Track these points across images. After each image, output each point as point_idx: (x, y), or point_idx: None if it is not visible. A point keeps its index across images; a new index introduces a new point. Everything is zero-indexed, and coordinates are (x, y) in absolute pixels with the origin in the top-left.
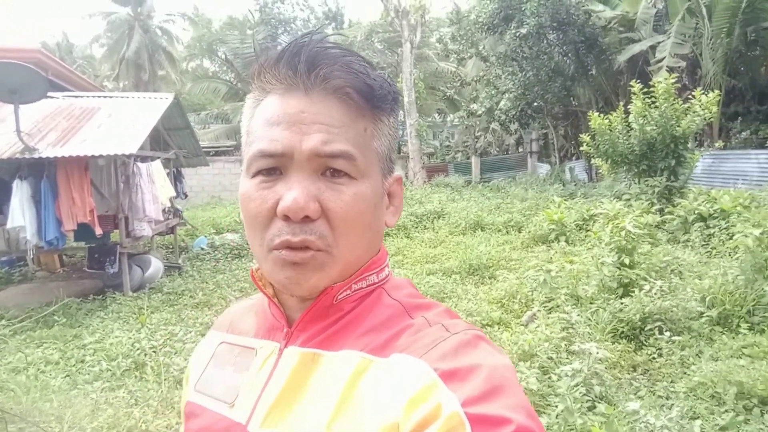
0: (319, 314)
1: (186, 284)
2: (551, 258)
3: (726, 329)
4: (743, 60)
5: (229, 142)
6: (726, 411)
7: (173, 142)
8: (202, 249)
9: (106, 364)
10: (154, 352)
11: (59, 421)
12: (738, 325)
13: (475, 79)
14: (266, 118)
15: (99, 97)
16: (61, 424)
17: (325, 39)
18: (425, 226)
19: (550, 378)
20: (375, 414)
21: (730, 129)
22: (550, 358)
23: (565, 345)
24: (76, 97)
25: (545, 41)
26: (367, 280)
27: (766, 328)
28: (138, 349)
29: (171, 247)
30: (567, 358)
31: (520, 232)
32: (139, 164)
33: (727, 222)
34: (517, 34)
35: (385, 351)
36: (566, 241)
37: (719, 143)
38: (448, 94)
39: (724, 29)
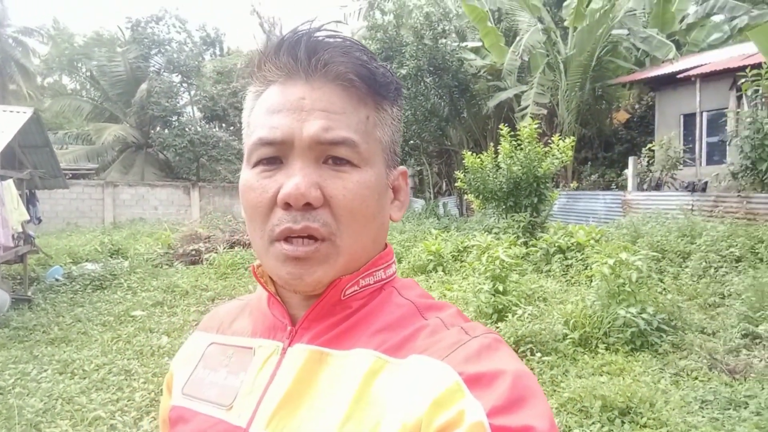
0: (325, 311)
1: (38, 318)
2: (431, 287)
3: (587, 350)
4: (592, 112)
5: (89, 165)
6: (593, 423)
7: (28, 161)
8: (57, 280)
9: None
10: (2, 393)
11: None
12: (597, 346)
13: None
14: (267, 107)
15: None
16: None
17: (324, 27)
18: None
19: None
20: (395, 413)
21: (582, 172)
22: None
23: None
24: None
25: (423, 83)
26: (374, 275)
27: (620, 348)
28: None
29: (19, 277)
30: None
31: (400, 262)
32: None
33: (582, 254)
34: (398, 73)
35: (402, 351)
36: (443, 271)
37: (574, 184)
38: None
39: (577, 84)
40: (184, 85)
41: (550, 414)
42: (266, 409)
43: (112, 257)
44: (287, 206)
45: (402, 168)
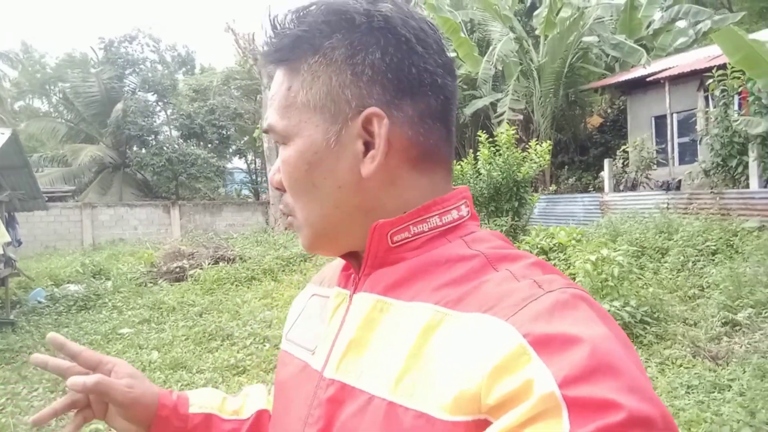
0: (380, 258)
1: (23, 341)
2: None
3: None
4: (566, 117)
5: (66, 187)
6: None
7: (6, 183)
8: (40, 302)
9: None
10: None
11: None
12: None
13: None
14: None
15: None
16: None
17: (270, 22)
18: (293, 269)
19: None
20: (450, 377)
21: (559, 176)
22: None
23: None
24: None
25: None
26: (428, 222)
27: None
28: None
29: (0, 301)
30: None
31: None
32: None
33: (565, 254)
34: None
35: (463, 305)
36: None
37: (552, 187)
38: None
39: (551, 90)
40: (160, 103)
41: (643, 383)
42: (336, 355)
43: (94, 278)
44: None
45: (370, 109)
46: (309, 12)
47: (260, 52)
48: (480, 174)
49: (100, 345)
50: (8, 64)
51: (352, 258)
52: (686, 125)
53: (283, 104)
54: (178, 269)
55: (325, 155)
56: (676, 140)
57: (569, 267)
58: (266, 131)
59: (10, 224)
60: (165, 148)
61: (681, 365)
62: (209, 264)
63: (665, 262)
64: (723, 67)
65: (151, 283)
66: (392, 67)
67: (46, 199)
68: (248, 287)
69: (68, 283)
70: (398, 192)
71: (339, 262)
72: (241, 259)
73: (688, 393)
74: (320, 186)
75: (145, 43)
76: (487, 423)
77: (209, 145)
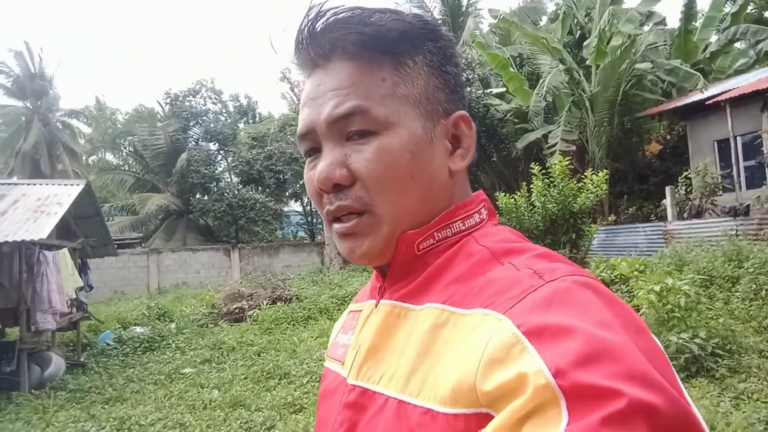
0: (405, 268)
1: (92, 381)
2: None
3: None
4: (623, 146)
5: (134, 234)
6: None
7: (80, 231)
8: (108, 344)
9: None
10: None
11: None
12: None
13: None
14: (300, 105)
15: (3, 184)
16: None
17: (320, 13)
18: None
19: None
20: (450, 370)
21: (619, 206)
22: None
23: None
24: None
25: None
26: (451, 228)
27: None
28: None
29: (72, 344)
30: None
31: None
32: (46, 252)
33: (627, 286)
34: None
35: (467, 302)
36: None
37: (611, 217)
38: None
39: (605, 119)
40: (221, 152)
41: (645, 368)
42: (357, 361)
43: (159, 320)
44: (323, 191)
45: (460, 113)
46: (405, 15)
47: (347, 30)
48: (534, 207)
49: (164, 384)
50: (83, 122)
51: (374, 269)
52: (751, 148)
53: (377, 92)
54: (237, 310)
55: (425, 148)
56: (741, 164)
57: (632, 299)
58: (348, 115)
59: (83, 270)
60: (225, 194)
61: (758, 399)
62: (267, 304)
63: (736, 292)
64: None
65: (212, 324)
66: (460, 81)
67: (116, 246)
68: (305, 326)
69: (135, 325)
70: (461, 190)
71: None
72: (297, 298)
73: (767, 429)
74: (417, 179)
75: (207, 96)
76: (488, 417)
77: (267, 190)
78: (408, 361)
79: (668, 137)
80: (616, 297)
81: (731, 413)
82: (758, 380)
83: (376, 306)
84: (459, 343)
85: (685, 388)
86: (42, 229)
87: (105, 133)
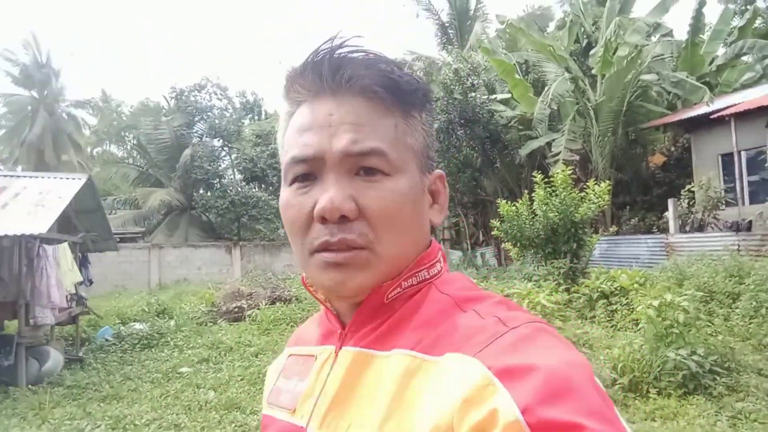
0: (369, 315)
1: (90, 377)
2: None
3: (638, 395)
4: (626, 156)
5: (137, 228)
6: None
7: (81, 226)
8: (107, 340)
9: None
10: None
11: None
12: (647, 391)
13: None
14: (298, 127)
15: (4, 176)
16: None
17: (345, 43)
18: None
19: None
20: (427, 415)
21: (621, 217)
22: None
23: None
24: None
25: (454, 136)
26: (417, 276)
27: (672, 392)
28: None
29: (71, 338)
30: None
31: None
32: (46, 246)
33: (627, 298)
34: None
35: (437, 349)
36: None
37: (613, 228)
38: None
39: (609, 129)
40: (226, 148)
41: (602, 406)
42: (320, 410)
43: (158, 317)
44: (324, 220)
45: (438, 171)
46: (415, 72)
47: (375, 71)
48: (536, 215)
49: (161, 383)
50: (89, 113)
51: (330, 311)
52: (755, 163)
53: (391, 137)
54: (236, 309)
55: (421, 197)
56: (745, 179)
57: (631, 312)
58: (366, 154)
59: (83, 264)
60: (229, 191)
61: (755, 420)
62: (266, 304)
63: (736, 308)
64: None
65: (211, 322)
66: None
67: (118, 240)
68: None
69: (134, 321)
70: (428, 239)
71: (310, 320)
72: (297, 299)
73: None
74: (414, 224)
75: (212, 92)
76: None
77: (270, 188)
78: (380, 408)
79: (672, 149)
80: (567, 341)
81: None
82: (756, 400)
83: (337, 353)
84: (433, 388)
85: (682, 405)
86: (42, 223)
87: (110, 125)
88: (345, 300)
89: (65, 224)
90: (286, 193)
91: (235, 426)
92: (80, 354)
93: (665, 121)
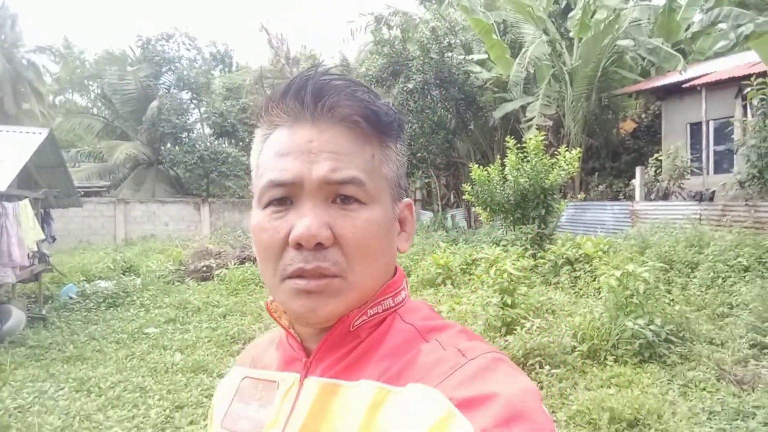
0: (335, 343)
1: (53, 337)
2: (440, 300)
3: (596, 362)
4: (598, 122)
5: (101, 182)
6: None
7: (43, 181)
8: (71, 298)
9: None
10: (20, 412)
11: None
12: (605, 358)
13: None
14: (276, 150)
15: None
16: None
17: (329, 71)
18: None
19: None
20: None
21: (589, 183)
22: None
23: None
24: None
25: (429, 96)
26: (382, 304)
27: (628, 360)
28: (1, 410)
29: (34, 296)
30: None
31: (409, 276)
32: (5, 203)
33: (591, 265)
34: (404, 88)
35: (401, 380)
36: (452, 284)
37: (581, 195)
38: None
39: (583, 94)
40: (194, 101)
41: (551, 428)
42: None
43: (124, 274)
44: (299, 246)
45: (407, 200)
46: (389, 104)
47: (357, 102)
48: (507, 180)
49: (126, 344)
50: (50, 59)
51: (294, 338)
52: (723, 133)
53: (368, 167)
54: (204, 268)
55: (392, 226)
56: (711, 148)
57: (594, 280)
58: (345, 182)
59: (45, 221)
60: (197, 145)
61: (704, 389)
62: (235, 264)
63: (694, 278)
64: (762, 74)
65: (178, 281)
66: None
67: (81, 194)
68: None
69: (99, 279)
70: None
71: (264, 340)
72: None
73: (710, 419)
74: (384, 253)
75: (181, 42)
76: None
77: (240, 144)
78: None
79: (643, 116)
80: (521, 370)
81: (678, 402)
82: (707, 369)
83: (302, 381)
84: (399, 420)
85: (637, 373)
86: (1, 179)
87: (73, 73)
88: (312, 327)
89: (26, 180)
90: (259, 216)
91: (202, 389)
92: (43, 312)
93: (638, 88)
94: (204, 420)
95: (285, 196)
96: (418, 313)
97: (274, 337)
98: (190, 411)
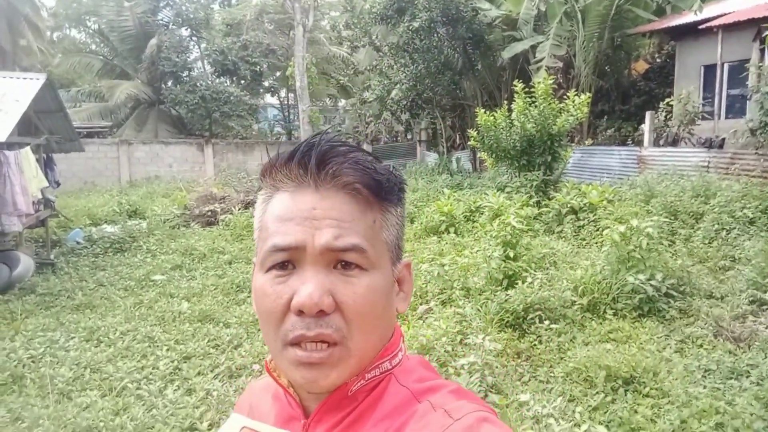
0: (334, 406)
1: (62, 283)
2: (442, 249)
3: (595, 315)
4: (610, 63)
5: (103, 123)
6: (597, 393)
7: (43, 126)
8: (78, 243)
9: None
10: (33, 362)
11: None
12: (605, 312)
13: (367, 68)
14: (279, 215)
15: None
16: None
17: (333, 137)
18: None
19: (447, 371)
20: None
21: (598, 126)
22: (447, 352)
23: (460, 338)
24: None
25: (436, 35)
26: (380, 368)
27: (627, 314)
28: (14, 360)
29: (41, 241)
30: (462, 351)
31: (412, 222)
32: (7, 152)
33: (595, 215)
34: (410, 27)
35: None
36: (455, 233)
37: (588, 141)
38: (341, 81)
39: (596, 33)
40: (194, 38)
41: None
42: None
43: (130, 218)
44: (300, 312)
45: (406, 260)
46: (392, 169)
47: (361, 170)
48: (513, 126)
49: (134, 291)
50: None
51: (292, 397)
52: (737, 77)
53: (369, 233)
54: (209, 213)
55: (391, 289)
56: (725, 92)
57: (598, 230)
58: (347, 249)
59: (48, 166)
60: (198, 84)
61: (701, 345)
62: (240, 209)
63: (698, 229)
64: None
65: (183, 226)
66: None
67: (84, 134)
68: None
69: (105, 223)
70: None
71: (261, 387)
72: None
73: (705, 377)
74: (384, 318)
75: None
76: None
77: (242, 82)
78: None
79: (656, 57)
80: (506, 426)
81: (674, 359)
82: (705, 324)
83: None
84: None
85: (635, 328)
86: (1, 129)
87: (69, 8)
88: (311, 393)
89: (26, 126)
90: (261, 279)
91: (209, 339)
92: (52, 257)
93: (652, 27)
94: (211, 371)
95: (287, 261)
96: (413, 374)
97: (270, 385)
98: (197, 362)
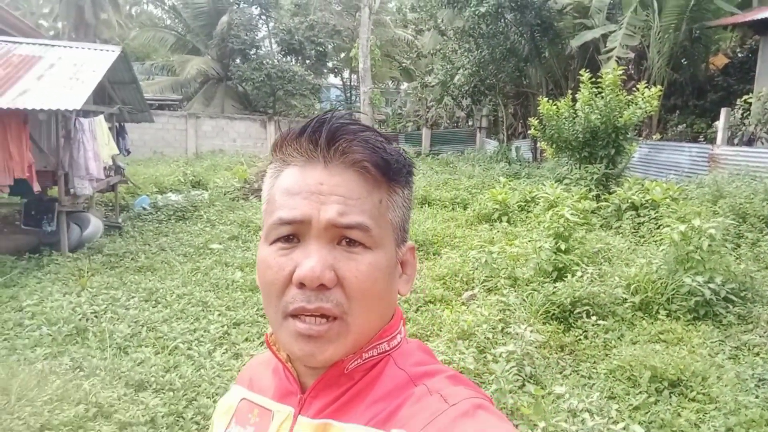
0: (330, 383)
1: (127, 246)
2: (493, 238)
3: (646, 315)
4: (686, 55)
5: (174, 96)
6: (640, 392)
7: (117, 97)
8: (144, 209)
9: (47, 329)
10: (96, 317)
11: (5, 392)
12: (657, 312)
13: (431, 52)
14: (286, 188)
15: (40, 44)
16: (8, 396)
17: (345, 115)
18: None
19: (485, 357)
20: None
21: (668, 121)
22: (487, 338)
23: (502, 327)
24: (14, 42)
25: (503, 21)
26: (377, 348)
27: (681, 316)
28: (79, 314)
29: (111, 204)
30: (502, 339)
31: (465, 209)
32: (82, 119)
33: (656, 212)
34: (476, 11)
35: (387, 425)
36: (508, 221)
37: (657, 135)
38: (404, 64)
39: (672, 24)
40: (263, 17)
41: None
42: None
43: (193, 188)
44: (302, 285)
45: (410, 243)
46: (400, 150)
47: (370, 148)
48: (577, 116)
49: (193, 258)
50: None
51: (290, 372)
52: None
53: (375, 213)
54: None
55: (394, 270)
56: None
57: (658, 228)
58: (352, 227)
59: (120, 134)
60: (265, 62)
61: (758, 353)
62: None
63: (767, 234)
64: None
65: (243, 199)
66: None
67: (155, 106)
68: None
69: (170, 191)
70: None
71: (262, 361)
72: None
73: (758, 387)
74: (384, 298)
75: None
76: None
77: (307, 62)
78: None
79: (738, 51)
80: (501, 414)
81: (726, 365)
82: (764, 333)
83: (295, 417)
84: None
85: (688, 330)
86: (77, 98)
87: None
88: (308, 367)
89: (101, 95)
90: (265, 252)
91: (258, 308)
92: (119, 221)
93: (735, 20)
94: (258, 338)
95: (292, 234)
96: (411, 357)
97: (270, 359)
98: (246, 329)
